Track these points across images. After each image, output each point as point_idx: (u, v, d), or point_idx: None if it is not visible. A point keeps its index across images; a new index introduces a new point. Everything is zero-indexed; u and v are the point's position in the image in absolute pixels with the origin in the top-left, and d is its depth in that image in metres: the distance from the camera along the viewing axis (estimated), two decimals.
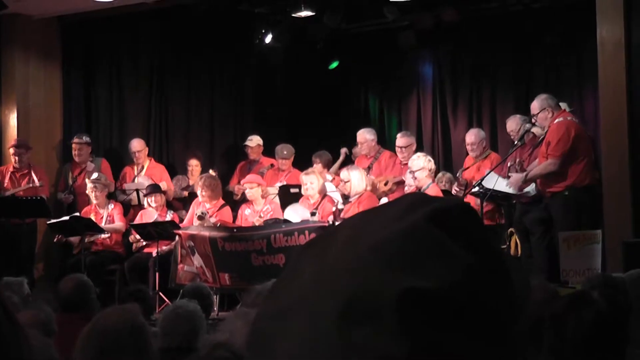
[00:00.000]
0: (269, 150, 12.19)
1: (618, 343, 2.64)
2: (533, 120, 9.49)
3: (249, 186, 10.71)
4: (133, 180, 11.75)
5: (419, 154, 10.40)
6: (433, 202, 0.89)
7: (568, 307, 2.54)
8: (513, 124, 10.13)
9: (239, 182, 11.84)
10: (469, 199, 9.39)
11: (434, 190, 9.71)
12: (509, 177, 9.50)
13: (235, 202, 11.38)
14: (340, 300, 0.82)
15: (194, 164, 12.07)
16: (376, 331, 0.80)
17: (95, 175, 11.19)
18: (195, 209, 10.65)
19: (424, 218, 0.85)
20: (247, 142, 12.30)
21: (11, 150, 11.24)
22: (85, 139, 11.70)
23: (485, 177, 9.38)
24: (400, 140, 11.03)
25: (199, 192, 10.75)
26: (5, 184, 11.14)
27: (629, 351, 4.23)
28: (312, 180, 10.31)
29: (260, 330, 0.88)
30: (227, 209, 10.76)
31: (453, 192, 10.25)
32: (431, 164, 10.06)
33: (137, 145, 11.88)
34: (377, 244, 0.84)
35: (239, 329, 3.11)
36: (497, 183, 9.34)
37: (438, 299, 0.81)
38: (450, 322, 0.81)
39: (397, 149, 11.02)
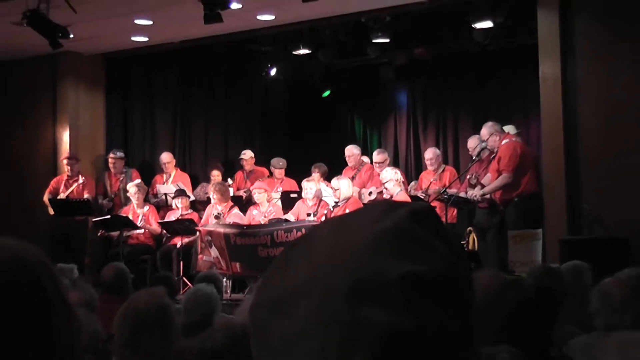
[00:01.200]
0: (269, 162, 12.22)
1: (545, 322, 2.65)
2: (484, 144, 9.56)
3: (258, 191, 10.70)
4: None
5: (387, 168, 10.38)
6: (406, 206, 0.88)
7: (503, 291, 2.56)
8: (472, 142, 10.09)
9: (238, 188, 11.89)
10: (436, 203, 9.42)
11: (402, 196, 9.73)
12: (466, 192, 9.60)
13: (241, 204, 11.37)
14: (347, 283, 0.80)
15: (216, 174, 12.05)
16: (384, 308, 0.78)
17: (138, 181, 11.27)
18: (210, 210, 10.70)
19: (406, 217, 0.85)
20: (242, 156, 12.30)
21: (65, 161, 11.37)
22: (119, 154, 11.74)
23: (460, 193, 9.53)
24: (377, 157, 11.03)
25: (211, 195, 10.79)
26: (61, 190, 11.25)
27: (564, 328, 4.27)
28: (311, 186, 10.34)
29: (259, 317, 0.85)
30: (236, 208, 10.78)
31: (420, 197, 10.30)
32: (397, 175, 10.06)
33: (166, 157, 11.88)
34: (371, 238, 0.83)
35: None
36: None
37: (432, 281, 0.81)
38: (442, 300, 0.81)
39: (375, 164, 11.01)
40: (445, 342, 0.80)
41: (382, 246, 0.82)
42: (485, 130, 9.50)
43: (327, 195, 10.28)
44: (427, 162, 10.77)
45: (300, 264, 0.85)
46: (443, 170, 10.66)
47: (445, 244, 0.85)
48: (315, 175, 11.03)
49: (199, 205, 11.55)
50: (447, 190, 9.53)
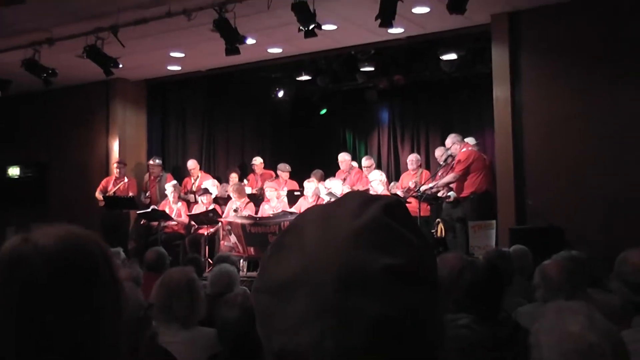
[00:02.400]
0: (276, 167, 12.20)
1: (497, 294, 2.67)
2: (450, 152, 9.58)
3: (269, 190, 10.76)
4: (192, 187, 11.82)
5: (375, 171, 10.43)
6: (379, 199, 0.81)
7: (463, 269, 2.58)
8: (438, 152, 10.14)
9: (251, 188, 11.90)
10: (412, 199, 9.45)
11: (384, 193, 9.79)
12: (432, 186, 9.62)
13: (256, 200, 11.38)
14: (335, 276, 0.74)
15: (234, 176, 12.09)
16: (370, 298, 0.73)
17: (174, 182, 11.28)
18: (230, 205, 10.70)
19: (380, 212, 0.78)
20: (253, 162, 12.31)
21: (115, 165, 11.44)
22: (158, 161, 11.76)
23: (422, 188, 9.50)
24: (365, 162, 10.99)
25: (231, 193, 10.83)
26: (109, 188, 11.28)
27: (512, 299, 4.28)
28: (310, 187, 10.40)
29: (262, 302, 0.79)
30: (251, 204, 10.79)
31: (401, 195, 10.27)
32: (382, 177, 10.13)
33: (191, 164, 11.91)
34: (352, 233, 0.76)
35: None
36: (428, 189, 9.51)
37: (408, 271, 0.76)
38: (417, 287, 0.76)
39: (364, 168, 10.98)
40: (423, 323, 0.77)
41: (362, 241, 0.76)
42: (449, 140, 9.54)
43: (324, 193, 10.31)
44: (409, 164, 10.81)
45: (293, 254, 0.78)
46: (421, 172, 10.69)
47: (414, 234, 0.79)
48: (314, 178, 11.07)
49: (220, 201, 11.58)
50: (420, 188, 9.56)
